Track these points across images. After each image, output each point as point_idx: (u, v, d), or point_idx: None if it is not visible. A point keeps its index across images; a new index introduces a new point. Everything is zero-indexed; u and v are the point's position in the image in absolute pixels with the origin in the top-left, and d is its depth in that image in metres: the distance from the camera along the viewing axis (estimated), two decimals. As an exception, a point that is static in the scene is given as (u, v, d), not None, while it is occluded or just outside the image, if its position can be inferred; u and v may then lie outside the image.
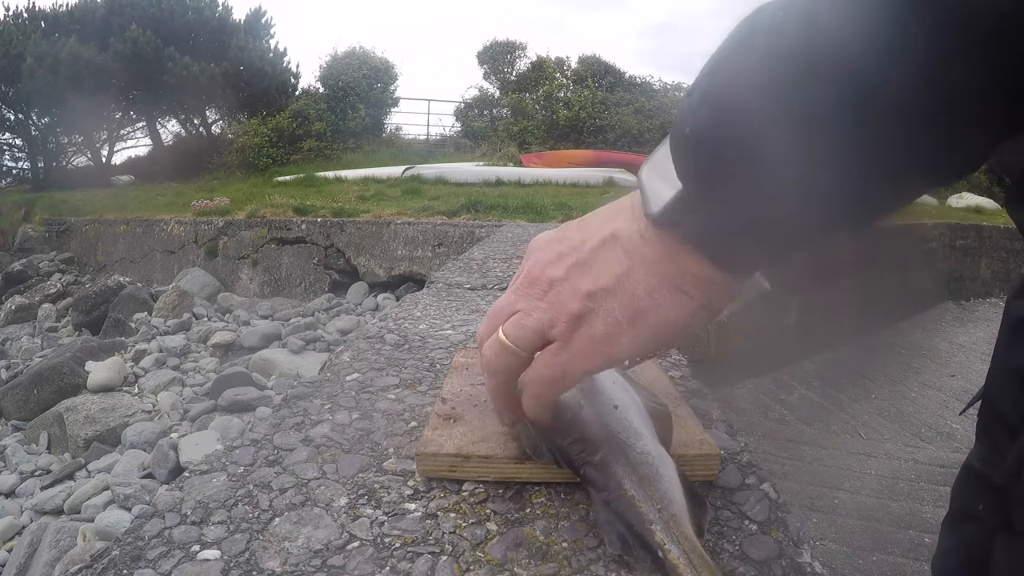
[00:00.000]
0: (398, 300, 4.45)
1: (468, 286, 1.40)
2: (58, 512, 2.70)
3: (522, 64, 13.66)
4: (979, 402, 0.47)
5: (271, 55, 13.83)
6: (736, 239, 0.32)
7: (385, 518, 0.46)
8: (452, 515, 0.47)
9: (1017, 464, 0.38)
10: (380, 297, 4.90)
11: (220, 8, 13.68)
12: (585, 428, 0.46)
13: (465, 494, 0.49)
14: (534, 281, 0.39)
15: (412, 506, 0.48)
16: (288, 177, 8.69)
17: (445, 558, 0.42)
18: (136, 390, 3.84)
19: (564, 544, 0.43)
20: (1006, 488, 0.39)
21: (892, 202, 0.30)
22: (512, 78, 13.52)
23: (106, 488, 2.71)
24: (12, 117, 12.97)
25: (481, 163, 9.22)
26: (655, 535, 0.38)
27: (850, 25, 0.25)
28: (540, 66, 13.19)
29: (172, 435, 3.14)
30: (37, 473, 3.15)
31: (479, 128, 12.63)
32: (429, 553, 0.42)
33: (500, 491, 0.49)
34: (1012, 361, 0.42)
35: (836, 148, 0.27)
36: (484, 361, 0.42)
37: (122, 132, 14.09)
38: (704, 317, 0.36)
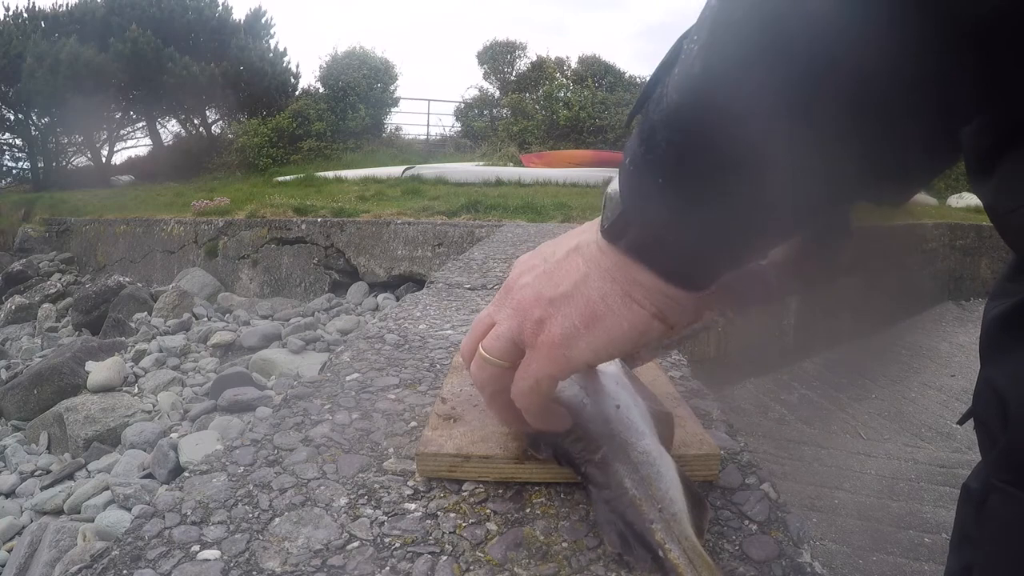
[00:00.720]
0: (398, 300, 4.44)
1: (468, 286, 1.40)
2: (58, 512, 2.70)
3: (522, 64, 13.68)
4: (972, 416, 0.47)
5: (271, 55, 13.84)
6: (678, 252, 0.33)
7: (385, 518, 0.46)
8: (452, 515, 0.47)
9: (985, 487, 0.38)
10: (380, 297, 4.90)
11: (220, 8, 13.69)
12: (586, 427, 0.46)
13: (465, 494, 0.49)
14: (508, 291, 0.42)
15: (412, 506, 0.48)
16: (288, 177, 8.69)
17: (445, 558, 0.42)
18: (136, 390, 3.84)
19: (564, 544, 0.43)
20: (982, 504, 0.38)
21: (842, 206, 0.30)
22: (512, 78, 13.52)
23: (106, 488, 2.71)
24: (12, 117, 12.98)
25: (481, 163, 9.22)
26: (655, 534, 0.38)
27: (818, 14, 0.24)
28: (540, 66, 13.20)
29: (172, 435, 3.14)
30: (37, 473, 3.15)
31: (479, 128, 12.63)
32: (429, 553, 0.42)
33: (500, 491, 0.49)
34: (987, 372, 0.42)
35: (784, 154, 0.27)
36: (472, 377, 0.44)
37: (122, 132, 14.11)
38: (660, 328, 0.36)
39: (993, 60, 0.23)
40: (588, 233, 0.39)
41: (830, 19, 0.24)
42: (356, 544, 0.43)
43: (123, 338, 4.71)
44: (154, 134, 14.08)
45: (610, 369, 0.51)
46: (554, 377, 0.39)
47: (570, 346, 0.37)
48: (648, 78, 0.34)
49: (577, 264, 0.38)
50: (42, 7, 13.47)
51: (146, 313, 5.20)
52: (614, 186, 0.35)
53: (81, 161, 13.84)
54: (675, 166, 0.30)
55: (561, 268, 0.39)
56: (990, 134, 0.32)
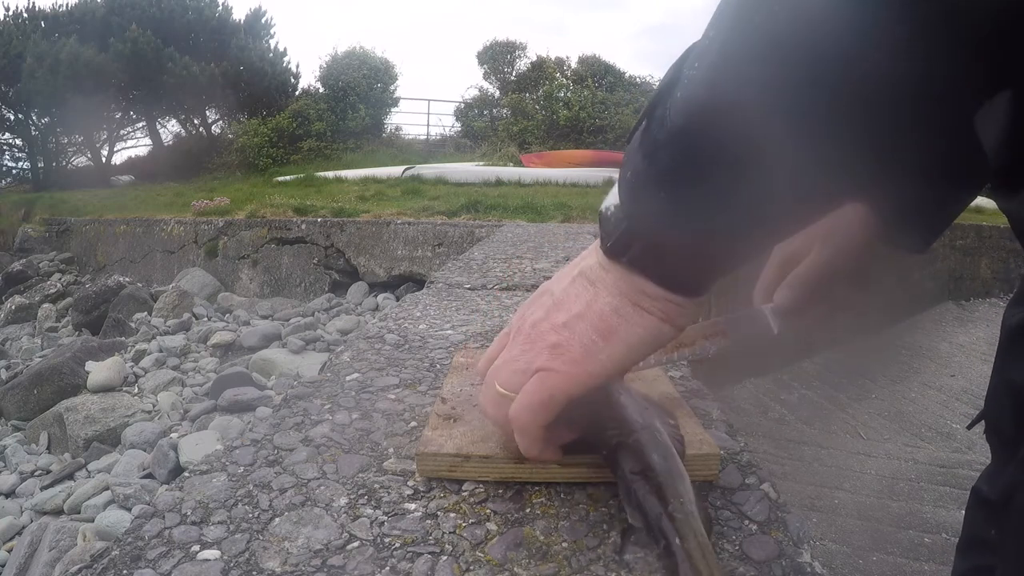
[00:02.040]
0: (398, 300, 4.44)
1: (468, 286, 1.40)
2: (58, 512, 2.70)
3: (522, 64, 13.68)
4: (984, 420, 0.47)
5: (271, 55, 13.84)
6: (677, 264, 0.36)
7: (385, 518, 0.46)
8: (452, 515, 0.46)
9: (1009, 487, 0.38)
10: (380, 297, 4.90)
11: (220, 8, 13.69)
12: (624, 411, 0.46)
13: (465, 494, 0.49)
14: (518, 331, 0.43)
15: (412, 506, 0.48)
16: (288, 177, 8.69)
17: (445, 558, 0.42)
18: (136, 390, 3.84)
19: (564, 544, 0.43)
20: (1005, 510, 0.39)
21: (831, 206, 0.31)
22: (512, 78, 13.52)
23: (106, 488, 2.71)
24: (12, 117, 12.99)
25: (481, 163, 9.22)
26: (676, 523, 0.38)
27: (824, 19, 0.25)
28: (540, 66, 13.20)
29: (172, 435, 3.14)
30: (37, 473, 3.15)
31: (479, 128, 12.63)
32: (429, 553, 0.42)
33: (500, 491, 0.49)
34: (1007, 374, 0.42)
35: (800, 159, 0.28)
36: (490, 418, 0.45)
37: (122, 132, 14.11)
38: (670, 332, 0.38)
39: (1004, 56, 0.23)
40: (589, 258, 0.40)
41: (837, 47, 0.25)
42: (356, 544, 0.43)
43: (123, 338, 4.72)
44: (154, 134, 14.09)
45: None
46: (568, 394, 0.40)
47: (591, 360, 0.39)
48: (651, 76, 0.35)
49: (584, 286, 0.40)
50: (42, 7, 13.50)
51: (146, 313, 5.20)
52: (609, 202, 0.37)
53: (81, 161, 13.86)
54: (676, 182, 0.32)
55: (569, 295, 0.40)
56: (1015, 147, 0.32)
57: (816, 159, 0.28)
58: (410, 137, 13.74)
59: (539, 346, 0.40)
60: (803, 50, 0.25)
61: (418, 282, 4.63)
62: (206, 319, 5.10)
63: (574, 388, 0.40)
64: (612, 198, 0.37)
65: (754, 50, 0.27)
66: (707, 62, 0.29)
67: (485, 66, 13.89)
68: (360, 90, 12.21)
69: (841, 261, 0.52)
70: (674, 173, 0.32)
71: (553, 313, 0.41)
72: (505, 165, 8.79)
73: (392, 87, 13.11)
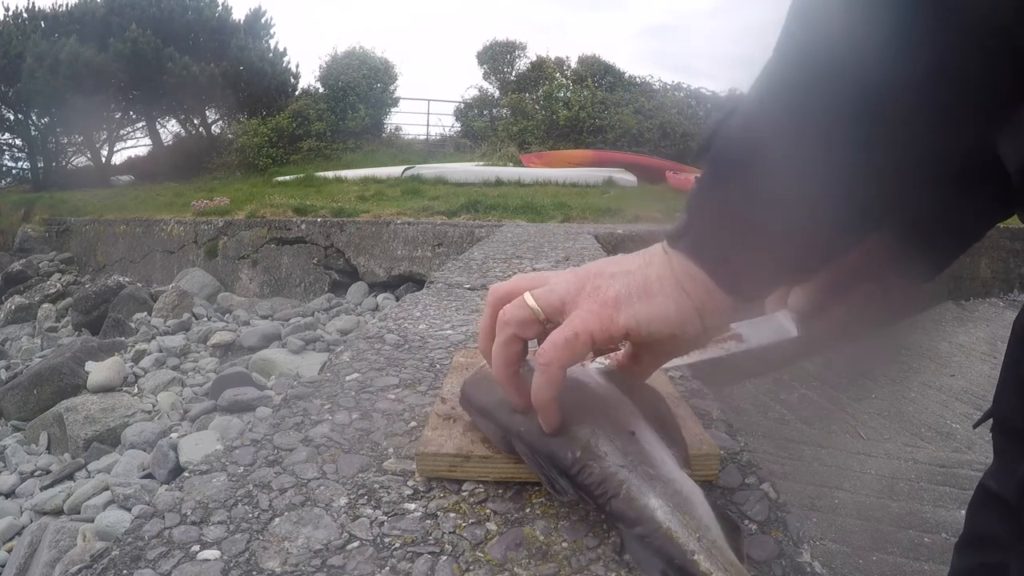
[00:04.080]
0: (398, 300, 4.44)
1: (468, 286, 1.40)
2: (58, 512, 2.70)
3: (522, 64, 13.66)
4: (991, 418, 0.47)
5: (271, 55, 13.83)
6: (725, 257, 0.38)
7: (385, 518, 0.46)
8: (452, 515, 0.46)
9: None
10: (380, 297, 4.90)
11: (220, 8, 13.68)
12: (605, 461, 0.43)
13: (465, 494, 0.49)
14: (575, 271, 0.45)
15: (412, 506, 0.48)
16: (288, 177, 8.69)
17: (445, 558, 0.42)
18: (136, 390, 3.83)
19: (564, 544, 0.43)
20: (1019, 507, 0.39)
21: (890, 213, 0.34)
22: (512, 78, 13.51)
23: (106, 488, 2.71)
24: (12, 117, 12.97)
25: (481, 163, 9.21)
26: (699, 565, 0.36)
27: (854, 30, 0.26)
28: (540, 66, 13.19)
29: (172, 435, 3.14)
30: (37, 473, 3.14)
31: (479, 128, 12.62)
32: (429, 553, 0.42)
33: (500, 491, 0.49)
34: (1019, 370, 0.42)
35: (835, 160, 0.31)
36: (502, 313, 0.45)
37: (122, 132, 14.10)
38: (697, 324, 0.40)
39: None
40: (656, 246, 0.43)
41: (867, 76, 0.28)
42: (356, 544, 0.43)
43: (123, 338, 4.71)
44: (154, 134, 14.08)
45: (611, 391, 0.49)
46: (592, 334, 0.41)
47: (619, 308, 0.41)
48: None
49: (644, 258, 0.43)
50: (42, 7, 13.48)
51: (146, 313, 5.19)
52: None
53: (81, 161, 13.85)
54: (733, 187, 0.36)
55: (629, 259, 0.44)
56: None
57: (852, 184, 0.31)
58: (410, 137, 13.74)
59: (583, 283, 0.43)
60: (832, 78, 0.29)
61: (418, 282, 4.62)
62: (206, 319, 5.09)
63: (598, 328, 0.41)
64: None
65: (788, 79, 0.31)
66: (757, 93, 0.34)
67: (485, 66, 13.89)
68: (360, 90, 12.21)
69: (853, 263, 0.52)
70: (726, 180, 0.36)
71: (609, 266, 0.43)
72: (505, 165, 8.79)
73: (392, 87, 13.11)
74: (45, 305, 6.36)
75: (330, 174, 8.42)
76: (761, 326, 0.55)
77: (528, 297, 0.44)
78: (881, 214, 0.34)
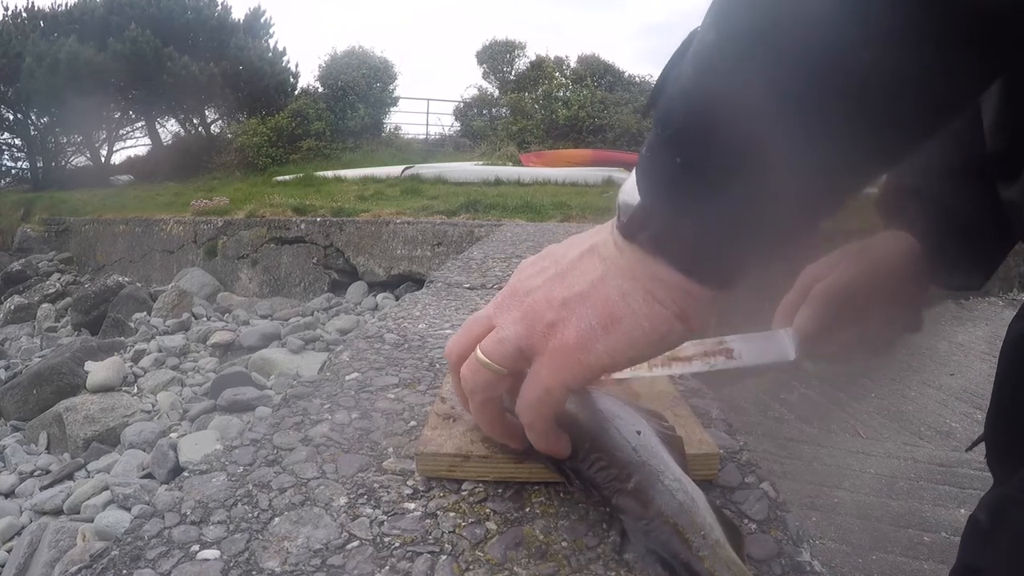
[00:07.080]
0: (397, 300, 4.44)
1: (467, 285, 1.40)
2: (57, 512, 2.70)
3: (521, 63, 13.67)
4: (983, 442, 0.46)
5: (270, 55, 13.83)
6: (699, 246, 0.32)
7: (385, 518, 0.46)
8: (451, 514, 0.47)
9: (1001, 505, 0.37)
10: (379, 296, 4.90)
11: (219, 8, 13.68)
12: (614, 453, 0.43)
13: (464, 493, 0.49)
14: (513, 294, 0.39)
15: (411, 505, 0.48)
16: (287, 177, 8.69)
17: (445, 557, 0.42)
18: (135, 390, 3.83)
19: (563, 543, 0.43)
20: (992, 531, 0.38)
21: (856, 186, 0.29)
22: (511, 77, 13.52)
23: (105, 488, 2.71)
24: (11, 117, 12.97)
25: (480, 163, 9.21)
26: (705, 562, 0.36)
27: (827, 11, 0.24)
28: (539, 65, 13.19)
29: (171, 435, 3.14)
30: (36, 473, 3.14)
31: (478, 128, 12.62)
32: (428, 552, 0.42)
33: (499, 490, 0.49)
34: (1006, 395, 0.42)
35: (803, 142, 0.27)
36: (463, 380, 0.41)
37: (121, 132, 14.11)
38: (681, 331, 0.34)
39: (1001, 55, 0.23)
40: (603, 233, 0.37)
41: (825, 39, 0.24)
42: (356, 544, 0.43)
43: (122, 338, 4.71)
44: (153, 134, 14.07)
45: (614, 396, 0.48)
46: (566, 386, 0.37)
47: (587, 350, 0.35)
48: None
49: (594, 263, 0.36)
50: (41, 7, 13.48)
51: (145, 313, 5.19)
52: (628, 185, 0.34)
53: (80, 161, 13.85)
54: (691, 142, 0.29)
55: (575, 268, 0.36)
56: (1007, 132, 0.32)
57: (815, 150, 0.26)
58: (409, 136, 13.74)
59: (533, 321, 0.37)
60: (791, 39, 0.25)
61: (417, 281, 4.62)
62: (205, 319, 5.09)
63: (570, 379, 0.36)
64: (630, 179, 0.34)
65: (743, 41, 0.26)
66: (700, 47, 0.28)
67: (484, 65, 13.90)
68: (359, 90, 12.21)
69: (871, 280, 0.49)
70: (688, 131, 0.29)
71: (554, 286, 0.37)
72: (504, 164, 8.79)
73: (391, 86, 13.12)
74: (44, 305, 6.36)
75: (329, 174, 8.42)
76: (757, 343, 0.52)
77: (481, 357, 0.39)
78: (861, 183, 0.29)
